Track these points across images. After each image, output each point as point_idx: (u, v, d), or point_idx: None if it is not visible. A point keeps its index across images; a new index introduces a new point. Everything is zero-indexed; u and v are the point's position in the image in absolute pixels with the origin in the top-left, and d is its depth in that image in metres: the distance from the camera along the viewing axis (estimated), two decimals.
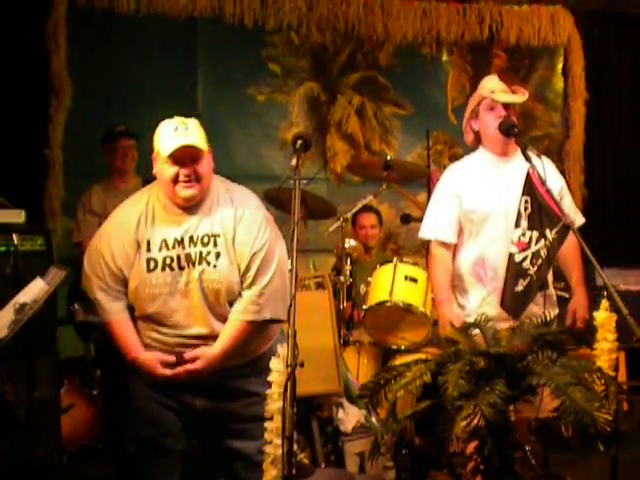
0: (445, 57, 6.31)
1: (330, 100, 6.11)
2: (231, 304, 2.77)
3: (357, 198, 5.05)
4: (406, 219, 5.15)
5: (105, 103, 5.44)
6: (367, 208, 5.18)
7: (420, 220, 3.75)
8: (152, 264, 2.72)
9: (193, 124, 2.77)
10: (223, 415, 2.83)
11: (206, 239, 2.74)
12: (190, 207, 2.76)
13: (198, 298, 2.72)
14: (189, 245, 2.73)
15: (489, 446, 2.42)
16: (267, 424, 2.21)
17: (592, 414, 2.19)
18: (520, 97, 3.47)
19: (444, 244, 3.52)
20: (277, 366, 2.19)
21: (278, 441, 2.14)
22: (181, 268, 2.72)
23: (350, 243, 4.91)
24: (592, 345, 2.69)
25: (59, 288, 2.93)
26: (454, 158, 5.30)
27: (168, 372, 2.73)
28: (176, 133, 2.70)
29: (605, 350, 2.65)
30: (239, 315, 2.75)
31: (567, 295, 3.82)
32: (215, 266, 2.72)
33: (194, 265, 2.71)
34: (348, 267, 4.75)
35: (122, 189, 4.69)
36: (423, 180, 5.33)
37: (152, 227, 2.76)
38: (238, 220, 2.76)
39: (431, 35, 6.04)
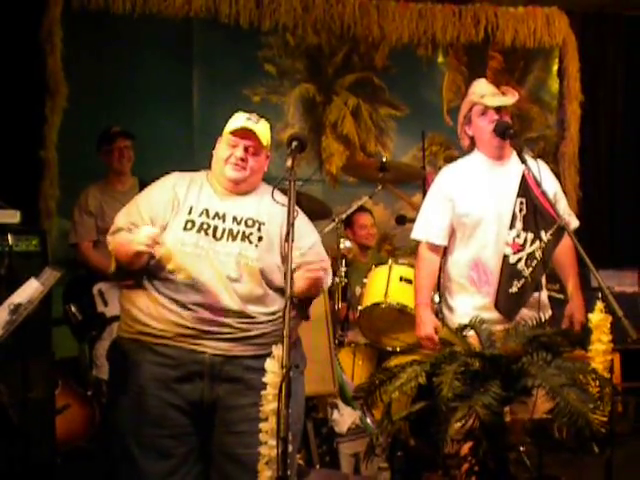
0: (441, 59, 6.31)
1: (325, 101, 6.11)
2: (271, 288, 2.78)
3: (352, 199, 5.03)
4: (401, 220, 5.15)
5: (100, 104, 5.43)
6: (363, 209, 5.19)
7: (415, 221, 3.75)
8: (189, 225, 2.80)
9: (265, 123, 2.93)
10: (232, 412, 2.76)
11: (250, 222, 2.84)
12: (237, 192, 2.89)
13: (229, 271, 2.73)
14: (232, 222, 2.82)
15: (484, 447, 2.43)
16: (262, 425, 2.21)
17: (587, 416, 2.20)
18: (510, 98, 3.45)
19: (434, 246, 3.53)
20: (272, 367, 2.19)
21: (273, 442, 2.14)
22: (216, 238, 2.78)
23: (345, 244, 4.90)
24: (587, 347, 2.69)
25: (54, 289, 2.92)
26: (449, 159, 5.31)
27: None
28: (247, 120, 2.88)
29: (600, 352, 2.64)
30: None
31: (562, 297, 3.82)
32: (257, 245, 2.79)
33: (234, 240, 2.79)
34: (343, 268, 4.75)
35: (119, 190, 4.68)
36: (418, 181, 5.34)
37: (198, 196, 2.87)
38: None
39: (427, 36, 6.04)
